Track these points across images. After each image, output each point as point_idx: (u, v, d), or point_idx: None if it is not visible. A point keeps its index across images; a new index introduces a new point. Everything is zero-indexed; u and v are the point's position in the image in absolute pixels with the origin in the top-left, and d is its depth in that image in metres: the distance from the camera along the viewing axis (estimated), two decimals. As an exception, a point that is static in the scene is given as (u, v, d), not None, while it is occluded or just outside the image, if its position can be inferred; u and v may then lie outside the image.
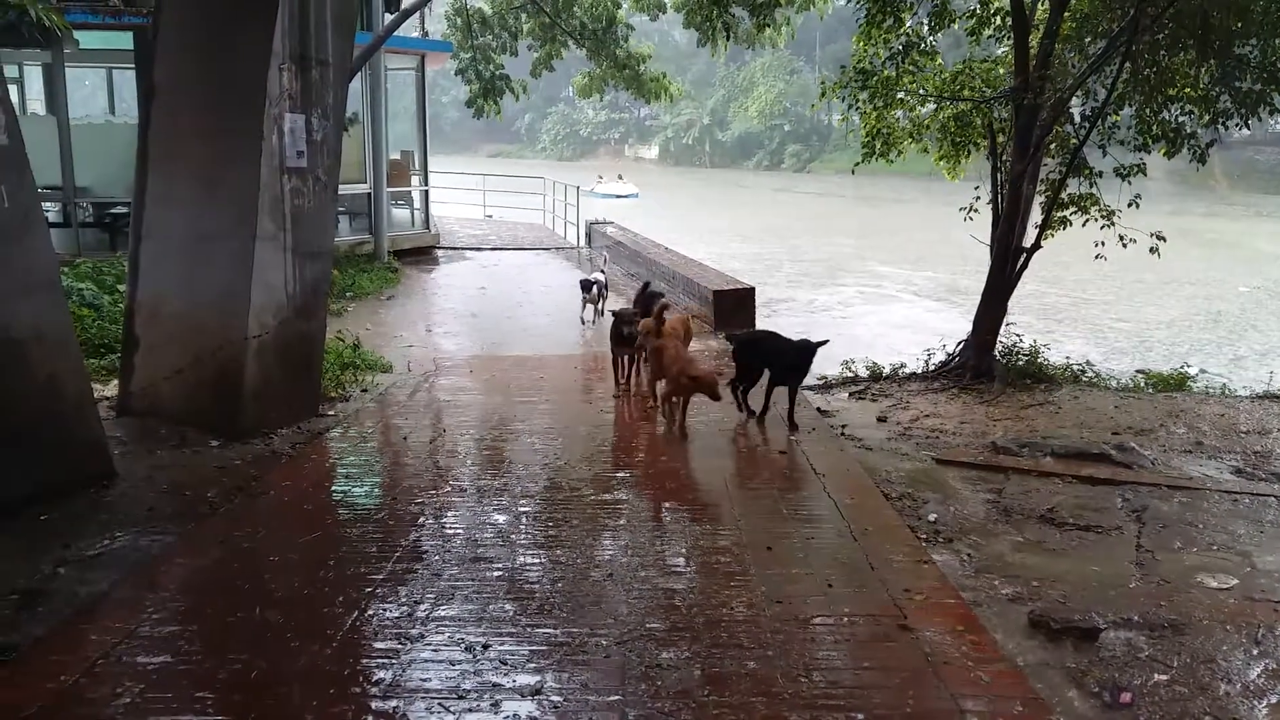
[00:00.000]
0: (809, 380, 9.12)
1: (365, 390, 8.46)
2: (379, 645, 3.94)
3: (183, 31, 7.03)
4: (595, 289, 12.30)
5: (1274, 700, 3.82)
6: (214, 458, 6.48)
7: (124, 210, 12.56)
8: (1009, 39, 10.25)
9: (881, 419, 8.40)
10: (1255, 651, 4.18)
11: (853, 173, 12.56)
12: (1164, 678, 3.96)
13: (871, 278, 27.34)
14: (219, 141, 6.95)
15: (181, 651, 3.85)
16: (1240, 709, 3.75)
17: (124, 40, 14.07)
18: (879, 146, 10.81)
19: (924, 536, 5.39)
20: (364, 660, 3.82)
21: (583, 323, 12.34)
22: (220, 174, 6.96)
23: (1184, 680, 3.94)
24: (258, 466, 6.32)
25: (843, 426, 7.90)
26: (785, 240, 35.33)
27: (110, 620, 4.10)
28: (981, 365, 9.86)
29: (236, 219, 6.87)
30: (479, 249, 19.35)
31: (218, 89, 6.92)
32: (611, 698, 3.54)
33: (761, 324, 12.21)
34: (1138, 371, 11.35)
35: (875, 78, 10.36)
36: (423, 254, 17.69)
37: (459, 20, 17.60)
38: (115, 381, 7.53)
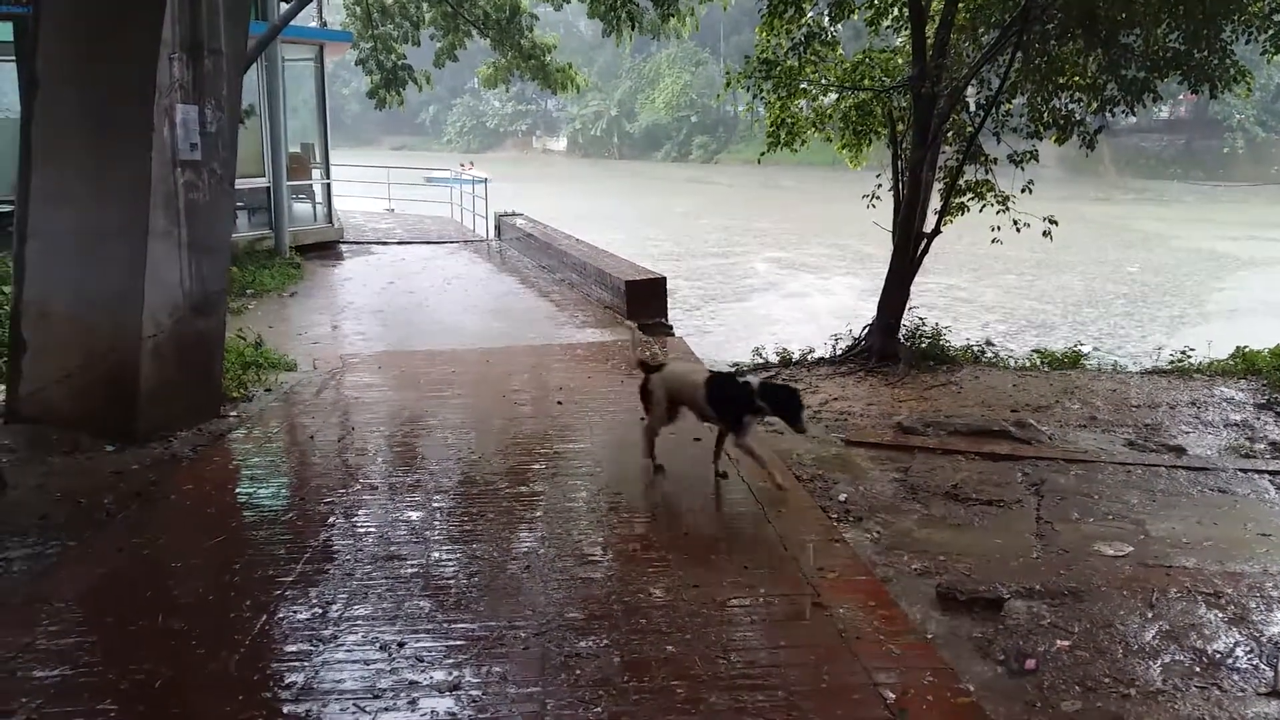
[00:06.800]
0: (724, 367, 9.20)
1: (269, 389, 8.23)
2: (290, 648, 3.84)
3: (66, 20, 6.71)
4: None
5: (1168, 660, 4.00)
6: (110, 463, 6.24)
7: (8, 209, 11.95)
8: (907, 29, 10.48)
9: (792, 403, 8.53)
10: (1150, 615, 4.38)
11: (758, 163, 12.70)
12: (1066, 643, 4.12)
13: (779, 265, 27.71)
14: (107, 135, 6.65)
15: (81, 663, 3.70)
16: (1137, 670, 3.92)
17: (3, 31, 13.36)
18: (783, 136, 10.96)
19: (835, 516, 5.51)
20: (274, 664, 3.73)
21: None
22: (109, 169, 6.67)
23: (1085, 645, 4.11)
24: (156, 471, 6.10)
25: (755, 412, 7.99)
26: (695, 229, 35.55)
27: (3, 634, 3.92)
28: (887, 348, 10.07)
29: (128, 215, 6.60)
30: (385, 243, 18.96)
31: (105, 80, 6.61)
32: (531, 689, 3.52)
33: (674, 313, 12.25)
34: (1034, 351, 11.73)
35: (778, 68, 10.49)
36: (326, 249, 17.27)
37: (358, 9, 17.19)
38: (2, 387, 7.18)
